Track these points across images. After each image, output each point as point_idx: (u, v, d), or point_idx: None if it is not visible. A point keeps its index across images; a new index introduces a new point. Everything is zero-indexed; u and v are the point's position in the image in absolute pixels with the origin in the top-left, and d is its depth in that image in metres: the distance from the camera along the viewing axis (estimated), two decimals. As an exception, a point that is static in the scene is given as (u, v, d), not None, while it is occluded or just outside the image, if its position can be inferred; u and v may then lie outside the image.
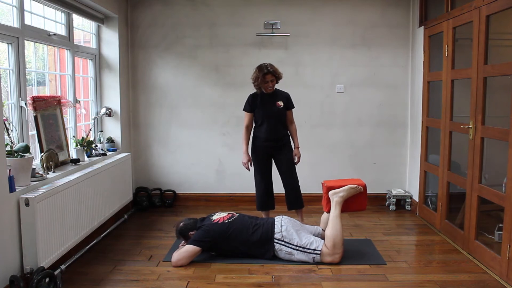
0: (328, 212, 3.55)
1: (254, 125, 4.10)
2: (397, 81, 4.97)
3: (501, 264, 3.07)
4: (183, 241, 3.54)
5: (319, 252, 3.31)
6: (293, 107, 4.09)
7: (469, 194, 3.51)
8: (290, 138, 4.13)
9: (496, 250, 3.21)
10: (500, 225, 3.40)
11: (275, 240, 3.37)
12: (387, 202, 4.99)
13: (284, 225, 3.42)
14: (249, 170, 4.14)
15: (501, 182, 3.26)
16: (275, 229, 3.40)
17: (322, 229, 3.61)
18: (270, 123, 3.97)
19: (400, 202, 4.95)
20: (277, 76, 3.91)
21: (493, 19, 3.30)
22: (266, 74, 3.86)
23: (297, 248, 3.34)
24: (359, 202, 3.55)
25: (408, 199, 4.87)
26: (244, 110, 4.08)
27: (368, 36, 4.90)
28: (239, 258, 3.41)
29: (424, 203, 4.57)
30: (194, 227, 3.48)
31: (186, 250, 3.34)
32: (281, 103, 3.98)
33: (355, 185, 3.51)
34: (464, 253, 3.57)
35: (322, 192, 3.66)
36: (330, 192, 3.54)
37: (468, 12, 3.53)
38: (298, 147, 4.10)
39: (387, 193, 5.00)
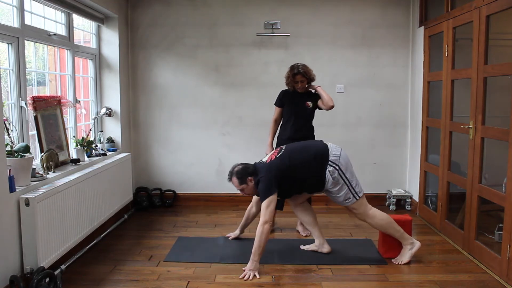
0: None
1: (281, 121, 4.07)
2: (397, 81, 4.97)
3: (501, 264, 3.06)
4: (244, 187, 3.42)
5: (358, 198, 3.30)
6: None
7: (469, 194, 3.51)
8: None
9: (496, 250, 3.21)
10: (500, 225, 3.39)
11: (330, 162, 3.27)
12: (387, 202, 4.98)
13: (343, 155, 3.33)
14: None
15: (501, 182, 3.26)
16: (333, 151, 3.30)
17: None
18: (296, 121, 3.95)
19: (400, 202, 4.94)
20: (308, 77, 3.88)
21: (493, 19, 3.30)
22: (297, 75, 3.84)
23: (345, 180, 3.28)
24: (392, 249, 3.48)
25: (408, 199, 4.87)
26: (274, 104, 4.06)
27: (368, 36, 4.90)
28: (243, 255, 3.35)
29: (424, 203, 4.56)
30: (253, 173, 3.35)
31: (269, 202, 3.19)
32: (310, 104, 3.95)
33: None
34: (464, 253, 3.57)
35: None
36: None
37: (468, 12, 3.53)
38: (320, 87, 3.91)
39: (387, 193, 5.00)
